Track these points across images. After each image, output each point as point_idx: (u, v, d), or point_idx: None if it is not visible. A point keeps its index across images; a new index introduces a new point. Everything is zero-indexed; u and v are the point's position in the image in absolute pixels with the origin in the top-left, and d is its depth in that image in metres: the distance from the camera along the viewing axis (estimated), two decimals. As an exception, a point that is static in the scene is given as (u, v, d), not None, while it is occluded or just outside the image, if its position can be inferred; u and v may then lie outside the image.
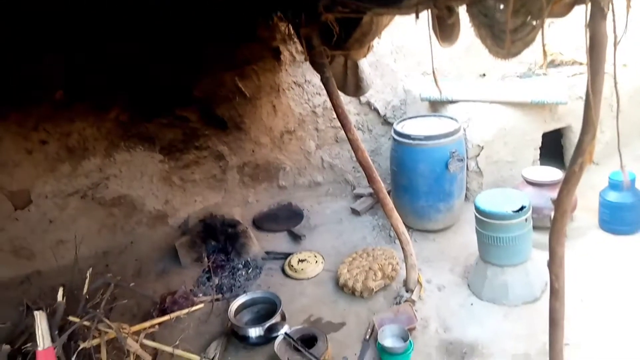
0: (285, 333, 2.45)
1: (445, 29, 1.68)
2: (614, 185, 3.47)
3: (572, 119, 4.10)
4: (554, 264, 1.44)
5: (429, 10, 1.61)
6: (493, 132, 3.87)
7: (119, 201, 4.26)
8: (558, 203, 1.34)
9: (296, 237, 4.04)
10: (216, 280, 3.69)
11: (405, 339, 2.75)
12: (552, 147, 4.21)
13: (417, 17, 1.62)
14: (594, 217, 3.66)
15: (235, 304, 3.15)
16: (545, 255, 3.39)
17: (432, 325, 2.97)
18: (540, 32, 1.35)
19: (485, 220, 2.99)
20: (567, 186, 1.29)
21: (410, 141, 3.54)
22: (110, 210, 4.26)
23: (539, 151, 4.10)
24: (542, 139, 4.11)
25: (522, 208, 2.92)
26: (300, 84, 4.43)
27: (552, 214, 1.44)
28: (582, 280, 3.11)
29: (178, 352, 2.96)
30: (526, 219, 2.95)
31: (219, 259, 3.85)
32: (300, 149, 4.59)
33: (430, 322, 3.00)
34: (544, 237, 3.48)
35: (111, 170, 4.21)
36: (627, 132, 4.28)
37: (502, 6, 1.34)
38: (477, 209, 3.04)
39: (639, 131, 4.30)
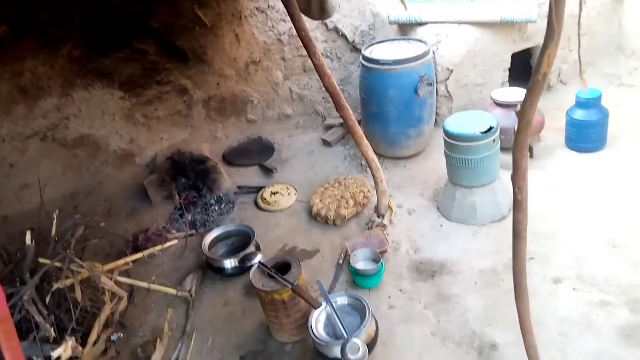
0: (259, 262, 2.47)
1: None
2: (580, 103, 3.49)
3: (541, 37, 4.02)
4: (517, 176, 1.44)
5: None
6: (462, 54, 3.80)
7: (82, 141, 4.12)
8: (522, 114, 1.32)
9: (268, 171, 4.00)
10: (189, 217, 3.67)
11: (377, 261, 2.81)
12: (521, 68, 4.18)
13: None
14: (561, 136, 3.71)
15: (208, 237, 3.15)
16: (510, 174, 3.47)
17: (403, 247, 3.05)
18: None
19: (453, 142, 2.99)
20: (530, 96, 1.26)
21: (379, 66, 3.45)
22: (74, 152, 4.12)
23: (508, 72, 4.06)
24: (511, 59, 4.06)
25: (490, 129, 2.92)
26: (263, 9, 4.22)
27: (516, 126, 1.42)
28: (548, 197, 3.19)
29: (154, 287, 2.98)
30: (494, 140, 2.96)
31: (191, 195, 3.81)
32: (267, 80, 4.45)
33: (401, 244, 3.06)
34: (511, 158, 3.56)
35: (70, 110, 4.03)
36: (594, 49, 4.27)
37: None
38: (446, 132, 3.03)
39: (607, 49, 4.28)
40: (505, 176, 3.22)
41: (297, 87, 4.53)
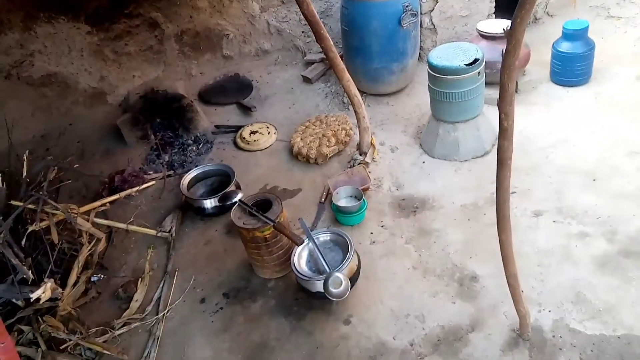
0: (240, 200, 2.42)
1: None
2: (567, 36, 3.39)
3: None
4: (504, 101, 1.38)
5: None
6: (448, -17, 3.63)
7: (49, 80, 3.90)
8: (511, 33, 1.23)
9: (246, 110, 3.87)
10: (166, 157, 3.57)
11: (359, 198, 2.79)
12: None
13: None
14: (546, 70, 3.64)
15: (187, 178, 3.08)
16: (496, 110, 3.42)
17: (385, 184, 3.02)
18: None
19: (437, 76, 2.90)
20: (520, 12, 1.17)
21: (361, -4, 3.28)
22: (42, 91, 3.91)
23: (494, 3, 3.91)
24: (498, -10, 3.91)
25: (475, 61, 2.83)
26: None
27: (504, 47, 1.34)
28: (530, 132, 3.16)
29: (133, 228, 2.93)
30: (479, 73, 2.88)
31: (167, 135, 3.69)
32: (243, 13, 4.22)
33: (383, 181, 3.04)
34: (495, 93, 3.49)
35: (34, 46, 3.78)
36: (583, -20, 4.12)
37: None
38: (430, 65, 2.93)
39: (596, -21, 4.14)
40: (489, 111, 3.19)
41: (275, 20, 4.31)
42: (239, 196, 2.46)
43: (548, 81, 3.62)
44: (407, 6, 3.28)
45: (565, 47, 3.41)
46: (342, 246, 2.38)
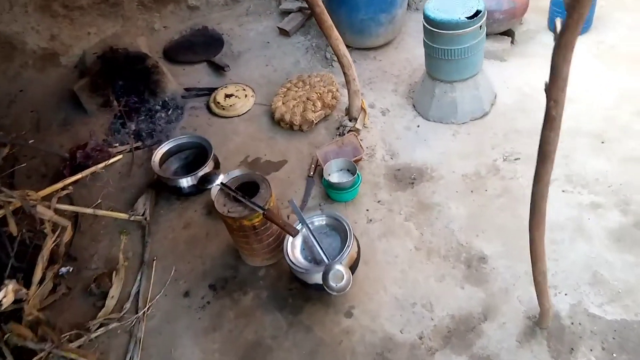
0: (222, 183, 2.14)
1: None
2: (569, -21, 3.09)
3: None
4: (555, 86, 1.14)
5: None
6: None
7: (-10, 41, 3.42)
8: (574, 4, 0.96)
9: (218, 68, 3.49)
10: (132, 126, 3.21)
11: (352, 172, 2.55)
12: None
13: None
14: (543, 18, 3.37)
15: (158, 153, 2.75)
16: (493, 65, 3.17)
17: (378, 152, 2.77)
18: None
19: (435, 30, 2.59)
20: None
21: (345, -64, 2.88)
22: (-18, 54, 3.44)
23: (488, -57, 3.54)
24: None
25: (477, 13, 2.53)
26: None
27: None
28: (529, 89, 2.94)
29: (101, 212, 2.63)
30: (480, 27, 2.59)
31: (131, 101, 3.30)
32: (208, -43, 3.74)
33: (376, 149, 2.79)
34: (491, 45, 3.22)
35: (-34, 2, 3.27)
36: None
37: None
38: (427, 18, 2.61)
39: None
40: (487, 67, 2.93)
41: (245, -35, 3.85)
42: (220, 178, 2.18)
43: (546, 30, 3.35)
44: (396, -52, 2.91)
45: (567, -8, 3.12)
46: (339, 230, 2.16)
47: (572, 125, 2.68)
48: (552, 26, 3.31)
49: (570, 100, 2.81)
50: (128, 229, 2.61)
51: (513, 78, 3.04)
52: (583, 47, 3.15)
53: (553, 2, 3.22)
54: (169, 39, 3.79)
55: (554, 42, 1.08)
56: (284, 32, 3.67)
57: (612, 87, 2.84)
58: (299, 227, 2.13)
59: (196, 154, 2.83)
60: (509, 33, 3.24)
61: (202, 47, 3.70)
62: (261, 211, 2.03)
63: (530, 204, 1.44)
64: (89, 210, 2.59)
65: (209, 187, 2.25)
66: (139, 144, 3.11)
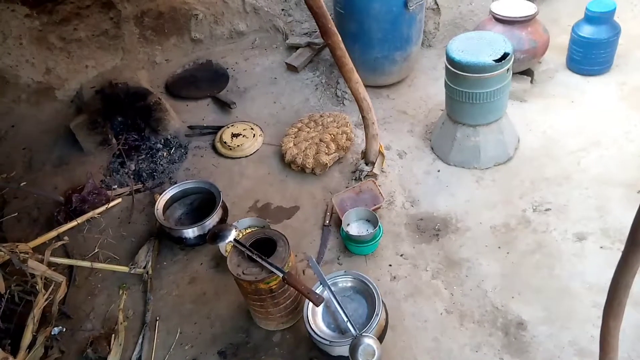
0: (235, 240, 1.95)
1: None
2: (591, 19, 3.00)
3: None
4: None
5: None
6: (456, -44, 3.14)
7: (-19, 74, 3.23)
8: None
9: (224, 105, 3.33)
10: (132, 166, 3.02)
11: (372, 222, 2.36)
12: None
13: None
14: (561, 56, 3.26)
15: (162, 200, 2.55)
16: (514, 106, 3.03)
17: (398, 199, 2.60)
18: None
19: (460, 73, 2.45)
20: None
21: (361, -28, 2.76)
22: (-28, 88, 3.24)
23: (502, -22, 3.45)
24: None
25: (504, 56, 2.40)
26: None
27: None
28: (554, 132, 2.80)
29: (99, 265, 2.41)
30: (508, 70, 2.45)
31: (131, 138, 3.12)
32: (213, -11, 3.61)
33: (395, 196, 2.61)
34: (515, 85, 3.09)
35: (-43, 33, 3.09)
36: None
37: None
38: (451, 60, 2.47)
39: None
40: (511, 109, 2.79)
41: (250, -3, 3.72)
42: (233, 234, 1.98)
43: (565, 69, 3.24)
44: (415, -15, 2.79)
45: (588, 31, 3.02)
46: (364, 293, 1.96)
47: (603, 173, 2.54)
48: (571, 66, 3.20)
49: (598, 143, 2.70)
50: (128, 283, 2.39)
51: (536, 120, 2.91)
52: (607, 88, 3.05)
53: (573, 41, 3.11)
54: (172, 73, 3.62)
55: None
56: (292, 68, 3.52)
57: (641, 131, 2.71)
58: (319, 289, 1.93)
59: (202, 199, 2.63)
60: (528, 72, 3.12)
61: (207, 82, 3.54)
62: (281, 274, 1.83)
63: (610, 290, 1.26)
64: (86, 264, 2.37)
65: (220, 243, 2.05)
66: (140, 186, 2.91)
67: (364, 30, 2.96)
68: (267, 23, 3.82)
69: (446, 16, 3.41)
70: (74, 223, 2.58)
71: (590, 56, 3.08)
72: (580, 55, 3.12)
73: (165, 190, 2.63)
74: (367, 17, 2.90)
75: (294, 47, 3.65)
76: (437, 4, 3.32)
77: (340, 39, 2.16)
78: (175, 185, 2.63)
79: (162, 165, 3.01)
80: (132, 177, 2.97)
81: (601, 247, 2.22)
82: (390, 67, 3.12)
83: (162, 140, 3.12)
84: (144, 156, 3.07)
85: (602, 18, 2.97)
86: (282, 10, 3.77)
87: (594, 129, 2.80)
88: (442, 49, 3.34)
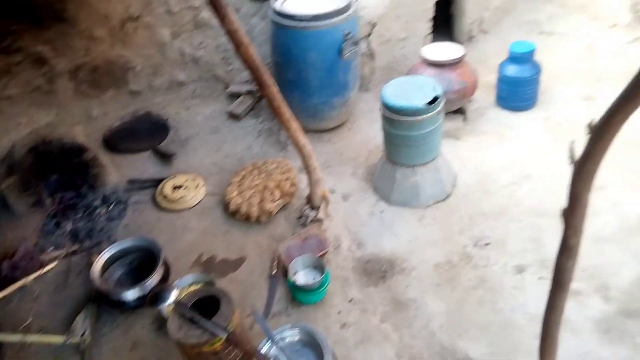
0: (176, 302, 1.87)
1: None
2: (514, 59, 3.20)
3: (463, -17, 3.65)
4: (575, 214, 1.03)
5: None
6: (385, 4, 3.30)
7: None
8: (601, 131, 0.86)
9: (165, 157, 3.27)
10: (68, 226, 2.88)
11: (319, 269, 2.35)
12: (441, 18, 3.79)
13: None
14: (491, 93, 3.44)
15: (99, 262, 2.44)
16: (449, 144, 3.14)
17: (344, 243, 2.61)
18: None
19: (395, 117, 2.54)
20: (626, 107, 0.81)
21: (296, 23, 2.83)
22: None
23: (431, 24, 3.65)
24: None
25: (435, 99, 2.50)
26: (135, -50, 3.31)
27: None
28: (488, 167, 2.92)
29: (32, 338, 2.24)
30: (439, 112, 2.56)
31: (67, 197, 2.99)
32: (150, 41, 3.60)
33: (341, 239, 2.62)
34: (445, 124, 3.19)
35: None
36: (513, -4, 4.00)
37: None
38: (386, 105, 2.56)
39: (525, -6, 4.04)
40: (444, 146, 2.88)
41: (189, 48, 3.74)
42: (173, 295, 1.91)
43: (495, 106, 3.42)
44: (347, 34, 2.89)
45: (513, 70, 3.22)
46: (312, 346, 1.92)
47: (536, 204, 2.65)
48: (500, 103, 3.37)
49: (529, 176, 2.83)
50: (64, 355, 2.24)
51: (470, 157, 3.03)
52: (533, 123, 3.22)
53: (500, 80, 3.30)
54: (109, 127, 3.54)
55: (572, 168, 0.96)
56: (233, 116, 3.53)
57: (567, 163, 2.86)
58: (267, 346, 1.88)
59: (143, 258, 2.54)
60: (460, 111, 3.27)
61: (146, 133, 3.48)
62: (224, 335, 1.77)
63: (542, 329, 1.29)
64: (17, 339, 2.21)
65: (161, 306, 1.97)
66: (76, 247, 2.77)
67: (302, 78, 3.02)
68: (207, 72, 3.84)
69: (381, 61, 3.54)
70: (4, 293, 2.43)
71: (516, 93, 3.27)
72: (507, 93, 3.30)
73: (103, 250, 2.52)
74: (305, 66, 2.97)
75: (235, 95, 3.67)
76: (372, 50, 3.44)
77: (276, 89, 2.19)
78: (113, 245, 2.53)
79: (100, 223, 2.89)
80: (68, 238, 2.83)
81: (539, 278, 2.29)
82: (329, 112, 3.19)
83: (101, 197, 3.01)
84: (81, 215, 2.94)
85: (524, 58, 3.17)
86: (222, 59, 3.80)
87: (525, 162, 2.94)
88: (379, 92, 3.42)
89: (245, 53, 1.93)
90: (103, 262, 2.44)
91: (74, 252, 2.73)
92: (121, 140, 3.46)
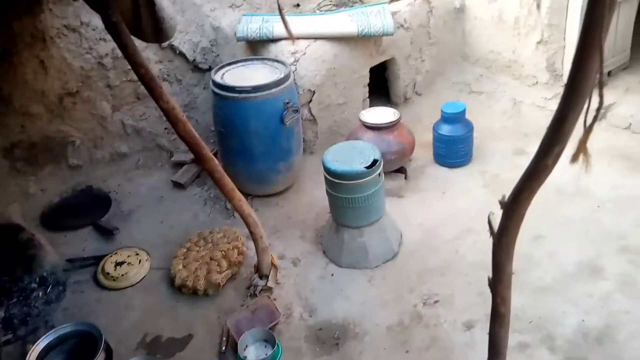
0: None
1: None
2: (446, 119, 3.39)
3: (395, 50, 3.89)
4: (501, 284, 1.07)
5: None
6: (323, 74, 3.44)
7: None
8: (512, 207, 0.93)
9: (106, 232, 3.17)
10: (1, 313, 2.69)
11: (270, 341, 2.29)
12: (377, 82, 3.99)
13: None
14: (428, 152, 3.59)
15: (34, 352, 2.27)
16: (393, 203, 3.23)
17: (295, 311, 2.57)
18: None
19: (337, 182, 2.60)
20: (531, 184, 0.88)
21: (236, 95, 2.90)
22: None
23: (368, 89, 3.83)
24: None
25: (374, 162, 2.59)
26: (75, 28, 3.33)
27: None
28: (431, 223, 3.01)
29: None
30: (379, 174, 2.64)
31: (1, 281, 2.81)
32: (90, 115, 3.56)
33: (293, 308, 2.58)
34: (388, 183, 3.29)
35: None
36: (443, 59, 4.28)
37: None
38: (328, 170, 2.62)
39: (453, 57, 4.32)
40: (388, 205, 2.95)
41: (131, 119, 3.72)
42: (115, 384, 1.81)
43: (433, 163, 3.56)
44: (287, 102, 2.98)
45: (446, 129, 3.39)
46: None
47: (479, 258, 2.72)
48: (438, 160, 3.52)
49: (471, 230, 2.93)
50: None
51: (413, 214, 3.11)
52: (471, 178, 3.37)
53: (436, 138, 3.47)
54: (48, 203, 3.41)
55: (492, 240, 1.01)
56: (178, 185, 3.50)
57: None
58: None
59: (82, 344, 2.38)
60: (401, 170, 3.38)
61: (87, 209, 3.37)
62: None
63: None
64: None
65: (100, 398, 1.85)
66: (10, 336, 2.58)
67: (245, 146, 3.06)
68: (150, 142, 3.82)
69: (323, 125, 3.65)
70: None
71: (452, 150, 3.43)
72: (443, 151, 3.46)
73: (39, 338, 2.36)
74: (247, 134, 3.02)
75: (179, 164, 3.66)
76: (313, 116, 3.55)
77: (216, 162, 2.21)
78: (51, 332, 2.37)
79: (37, 307, 2.72)
80: (0, 326, 2.64)
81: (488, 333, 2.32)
82: (275, 177, 3.22)
83: (37, 279, 2.84)
84: (15, 300, 2.76)
85: (455, 118, 3.36)
86: (165, 129, 3.80)
87: (466, 216, 3.04)
88: (323, 155, 3.54)
89: (182, 130, 1.95)
90: (38, 352, 2.28)
91: (6, 342, 2.54)
92: (60, 217, 3.33)
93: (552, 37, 3.65)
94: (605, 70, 3.89)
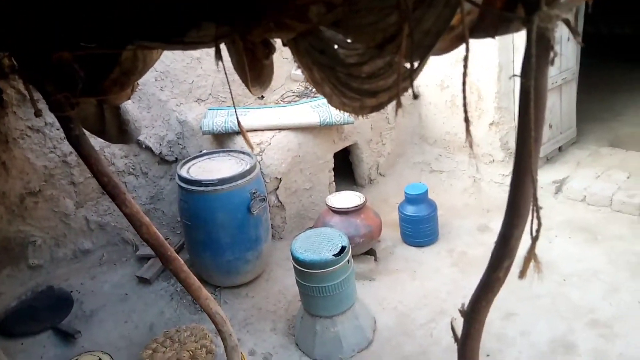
0: None
1: (255, 68, 1.16)
2: (410, 200, 3.48)
3: (357, 136, 4.05)
4: None
5: (234, 46, 1.08)
6: (288, 162, 3.53)
7: None
8: (472, 315, 0.94)
9: (67, 336, 3.00)
10: None
11: None
12: (341, 165, 4.11)
13: (218, 56, 1.04)
14: (395, 231, 3.64)
15: None
16: (364, 286, 3.21)
17: (269, 412, 2.44)
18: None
19: (307, 271, 2.58)
20: (486, 295, 0.90)
21: (202, 188, 2.92)
22: None
23: (333, 172, 3.93)
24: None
25: (343, 249, 2.61)
26: (39, 128, 3.35)
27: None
28: (405, 307, 2.98)
29: None
30: (348, 261, 2.65)
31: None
32: (53, 213, 3.50)
33: (266, 409, 2.46)
34: (358, 266, 3.29)
35: None
36: (403, 141, 4.47)
37: (349, 40, 0.87)
38: (296, 260, 2.62)
39: (412, 139, 4.52)
40: (359, 289, 2.93)
41: (95, 215, 3.67)
42: None
43: (402, 243, 3.61)
44: (254, 192, 3.02)
45: (411, 210, 3.47)
46: None
47: (452, 341, 2.69)
48: (406, 240, 3.57)
49: (444, 312, 2.92)
50: None
51: (386, 297, 3.09)
52: (439, 256, 3.41)
53: (401, 219, 3.54)
54: (5, 308, 3.23)
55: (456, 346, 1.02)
56: (144, 281, 3.40)
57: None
58: None
59: None
60: (371, 252, 3.40)
61: (47, 311, 3.21)
62: None
63: None
64: None
65: None
66: None
67: (212, 238, 3.04)
68: (115, 237, 3.75)
69: (291, 210, 3.68)
70: None
71: (418, 230, 3.49)
72: (410, 230, 3.52)
73: None
74: (214, 226, 3.01)
75: (145, 258, 3.57)
76: (281, 202, 3.59)
77: (182, 262, 2.18)
78: None
79: None
80: None
81: (469, 423, 2.25)
82: (244, 266, 3.18)
83: (-12, 395, 2.65)
84: (-38, 420, 2.54)
85: (418, 199, 3.45)
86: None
87: (437, 297, 3.04)
88: (292, 239, 3.54)
89: (146, 233, 1.94)
90: None
91: None
92: (17, 322, 3.15)
93: (503, 119, 3.89)
94: (556, 146, 4.14)
